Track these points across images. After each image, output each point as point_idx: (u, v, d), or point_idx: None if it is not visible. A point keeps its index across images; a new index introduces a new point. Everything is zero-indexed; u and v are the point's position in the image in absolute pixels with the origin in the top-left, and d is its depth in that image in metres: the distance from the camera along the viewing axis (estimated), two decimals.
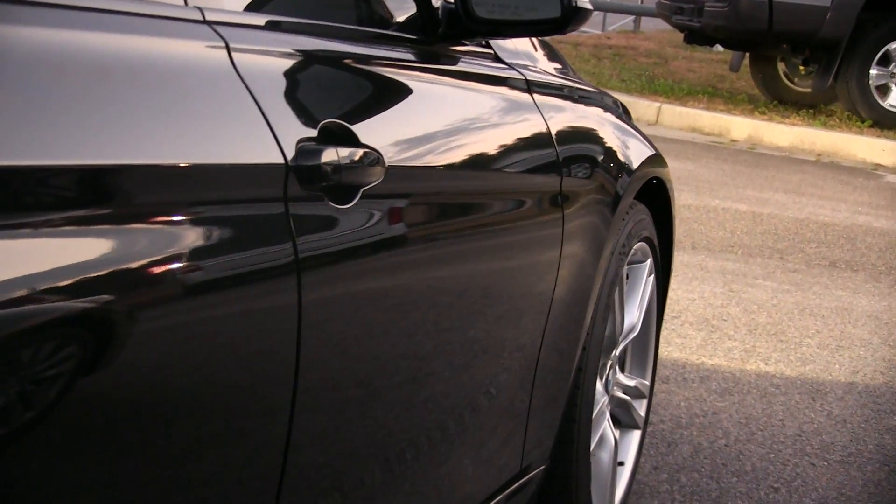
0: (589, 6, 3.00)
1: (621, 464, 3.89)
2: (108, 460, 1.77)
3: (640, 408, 4.04)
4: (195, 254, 1.88)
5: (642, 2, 19.93)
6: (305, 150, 2.13)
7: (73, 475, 1.67)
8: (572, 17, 2.88)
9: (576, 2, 2.87)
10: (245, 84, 2.09)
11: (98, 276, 1.69)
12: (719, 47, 14.04)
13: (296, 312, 2.07)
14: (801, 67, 13.14)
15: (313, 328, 2.12)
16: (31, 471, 1.60)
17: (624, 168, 3.65)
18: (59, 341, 1.65)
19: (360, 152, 2.26)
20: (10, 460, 1.56)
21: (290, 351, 2.08)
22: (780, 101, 13.39)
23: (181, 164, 1.90)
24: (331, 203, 2.16)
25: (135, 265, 1.75)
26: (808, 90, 13.35)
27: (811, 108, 13.19)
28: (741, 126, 12.34)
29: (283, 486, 2.16)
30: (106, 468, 1.75)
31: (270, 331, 2.07)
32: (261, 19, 2.38)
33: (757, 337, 6.15)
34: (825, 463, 4.64)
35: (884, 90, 12.15)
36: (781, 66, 13.50)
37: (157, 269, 1.80)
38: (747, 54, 13.97)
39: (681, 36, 14.69)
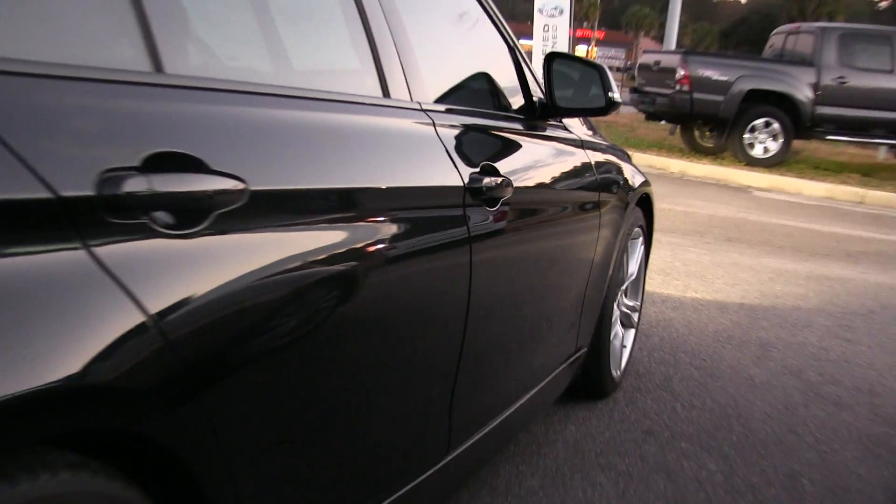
0: (620, 101, 3.19)
1: (625, 347, 4.25)
2: (357, 368, 1.91)
3: (634, 317, 4.34)
4: (417, 233, 2.08)
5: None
6: (473, 177, 2.30)
7: (332, 375, 1.79)
8: (611, 107, 3.10)
9: (613, 98, 3.09)
10: (442, 142, 2.26)
11: (365, 244, 1.87)
12: (664, 122, 14.89)
13: (468, 268, 2.27)
14: (707, 133, 14.04)
15: (477, 277, 2.31)
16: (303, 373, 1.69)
17: (630, 188, 3.86)
18: (338, 290, 1.80)
19: (500, 179, 2.43)
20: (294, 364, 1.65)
21: (464, 292, 2.28)
22: (696, 151, 14.13)
23: (412, 186, 2.12)
24: (486, 207, 2.35)
25: (379, 243, 1.92)
26: (711, 145, 14.28)
27: (713, 155, 13.79)
28: (675, 164, 13.05)
29: (459, 371, 2.35)
30: (351, 375, 1.88)
31: (453, 280, 2.25)
32: (449, 106, 2.48)
33: (690, 278, 6.64)
34: (729, 343, 5.00)
35: (751, 146, 13.39)
36: (696, 132, 14.21)
37: (395, 243, 1.98)
38: (679, 126, 15.22)
39: (643, 115, 15.96)
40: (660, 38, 77.71)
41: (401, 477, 2.19)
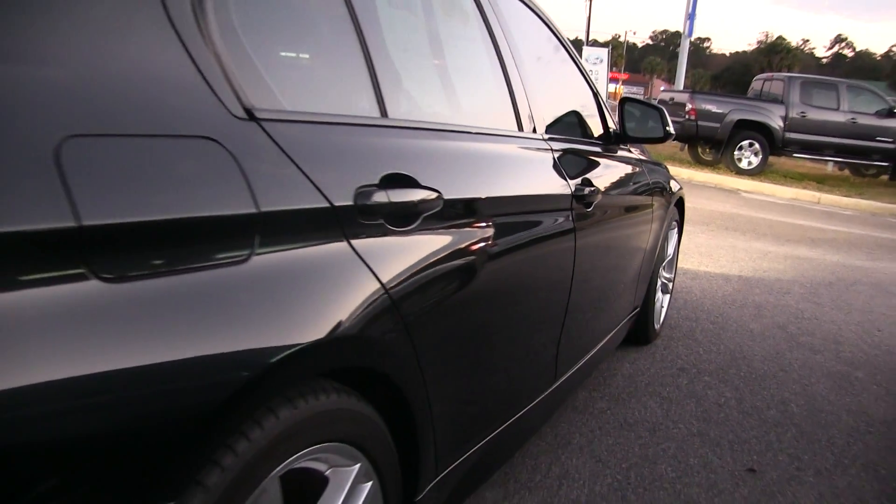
0: (673, 132, 3.10)
1: (662, 307, 4.13)
2: (507, 317, 1.91)
3: (670, 285, 4.22)
4: (544, 225, 2.06)
5: None
6: (577, 187, 2.27)
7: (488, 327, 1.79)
8: (668, 137, 3.01)
9: (669, 130, 3.01)
10: (556, 162, 2.23)
11: (513, 232, 1.85)
12: (676, 142, 14.45)
13: (573, 248, 2.26)
14: (707, 150, 13.70)
15: (579, 255, 2.30)
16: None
17: (671, 192, 3.78)
18: (498, 263, 1.77)
19: (593, 188, 2.40)
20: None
21: (571, 264, 2.27)
22: (699, 163, 13.80)
23: (541, 194, 2.10)
24: (584, 208, 2.31)
25: (521, 231, 1.90)
26: (710, 159, 13.87)
27: (711, 166, 13.51)
28: (684, 172, 12.46)
29: (565, 320, 2.34)
30: (504, 326, 1.89)
31: (564, 256, 2.22)
32: (557, 135, 2.37)
33: (701, 257, 6.39)
34: (734, 305, 4.86)
35: (739, 160, 13.16)
36: (699, 149, 13.95)
37: (531, 231, 1.97)
38: (687, 144, 14.58)
39: None
40: (668, 79, 76.25)
41: (531, 395, 2.20)
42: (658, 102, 16.25)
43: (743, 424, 3.17)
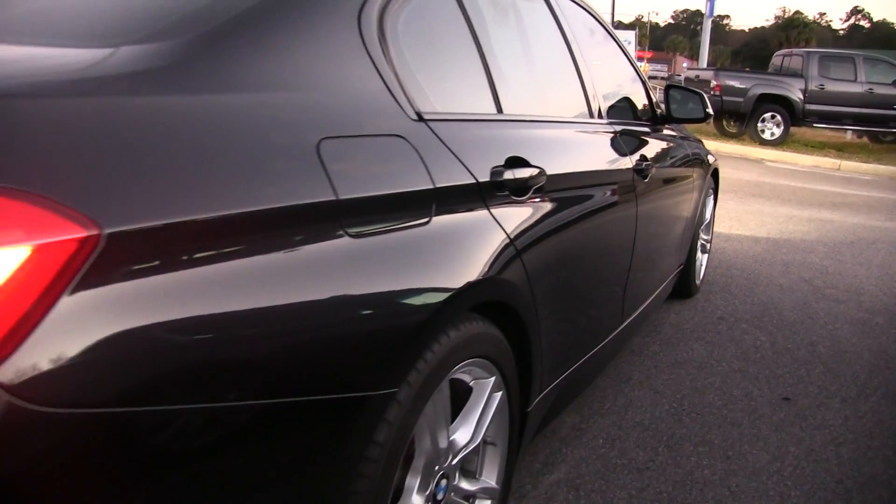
0: (712, 113, 3.26)
1: (702, 265, 4.29)
2: (593, 265, 2.19)
3: (708, 246, 4.42)
4: (615, 193, 2.29)
5: None
6: (636, 162, 2.49)
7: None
8: (707, 117, 3.13)
9: (709, 112, 3.13)
10: (620, 142, 2.46)
11: (594, 197, 2.10)
12: None
13: (635, 212, 2.48)
14: (732, 122, 13.61)
15: (639, 217, 2.51)
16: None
17: (708, 164, 3.92)
18: (585, 220, 2.02)
19: (646, 163, 2.59)
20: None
21: (633, 224, 2.47)
22: (724, 135, 13.70)
23: (612, 168, 2.33)
24: (641, 179, 2.51)
25: (598, 196, 2.15)
26: (734, 131, 13.73)
27: (736, 137, 13.47)
28: (711, 144, 11.93)
29: (629, 271, 2.55)
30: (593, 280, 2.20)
31: (629, 217, 2.41)
32: (617, 119, 2.58)
33: (732, 221, 6.48)
34: (763, 263, 5.02)
35: (762, 131, 13.05)
36: (724, 122, 13.88)
37: (606, 197, 2.20)
38: (712, 118, 14.40)
39: None
40: (690, 56, 74.84)
41: (606, 332, 2.48)
42: (684, 80, 16.39)
43: (777, 362, 3.42)
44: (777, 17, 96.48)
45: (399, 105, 1.36)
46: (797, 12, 79.80)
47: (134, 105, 0.97)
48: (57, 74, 0.97)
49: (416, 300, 1.29)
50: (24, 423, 0.79)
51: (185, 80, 1.04)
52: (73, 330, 0.82)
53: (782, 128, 13.52)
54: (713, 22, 17.38)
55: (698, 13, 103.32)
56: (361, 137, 1.24)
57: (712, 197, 4.38)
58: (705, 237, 4.39)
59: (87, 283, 0.82)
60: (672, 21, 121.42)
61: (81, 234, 0.82)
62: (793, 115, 13.51)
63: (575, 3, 2.66)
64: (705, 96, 3.24)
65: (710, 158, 4.08)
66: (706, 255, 4.48)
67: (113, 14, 1.30)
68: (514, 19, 2.10)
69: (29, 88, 0.91)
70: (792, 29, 69.02)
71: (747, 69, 20.00)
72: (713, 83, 13.43)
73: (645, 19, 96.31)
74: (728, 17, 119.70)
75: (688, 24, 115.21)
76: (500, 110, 1.78)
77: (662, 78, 36.52)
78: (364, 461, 1.20)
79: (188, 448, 0.94)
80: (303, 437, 1.10)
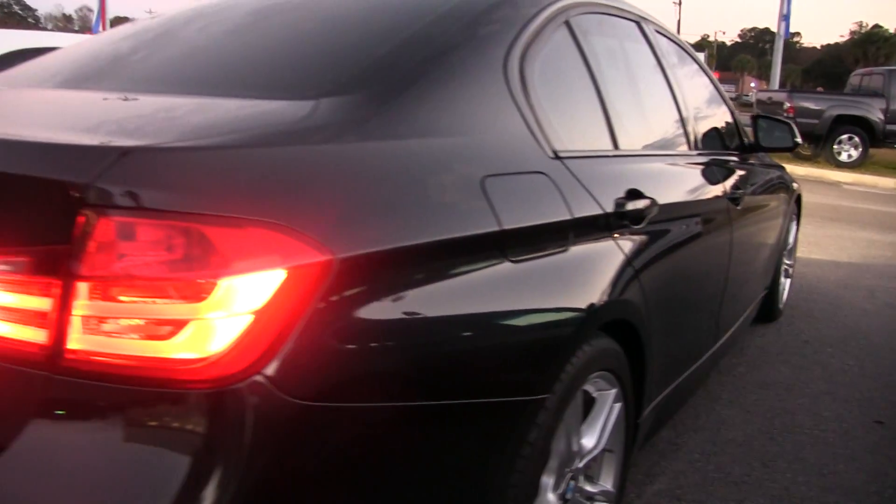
0: (801, 141, 3.33)
1: (784, 289, 4.39)
2: (697, 284, 2.34)
3: (791, 270, 4.51)
4: (714, 219, 2.43)
5: None
6: (729, 190, 2.62)
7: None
8: (796, 146, 3.23)
9: (797, 140, 3.22)
10: (714, 172, 2.58)
11: (699, 223, 2.29)
12: None
13: (730, 235, 2.60)
14: (806, 145, 13.37)
15: (734, 240, 2.64)
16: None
17: (793, 190, 4.05)
18: (692, 243, 2.18)
19: (738, 191, 2.72)
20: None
21: (728, 246, 2.59)
22: (798, 157, 13.42)
23: (710, 197, 2.45)
24: (734, 205, 2.64)
25: (702, 222, 2.30)
26: (809, 153, 13.53)
27: (810, 160, 13.31)
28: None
29: (724, 291, 2.68)
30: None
31: (724, 240, 2.55)
32: (709, 150, 2.71)
33: (810, 246, 6.48)
34: (846, 288, 5.04)
35: (839, 154, 12.87)
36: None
37: (708, 224, 2.36)
38: None
39: None
40: (757, 77, 73.64)
41: (701, 352, 2.63)
42: (755, 102, 16.29)
43: (867, 386, 3.47)
44: (853, 33, 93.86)
45: (539, 145, 1.55)
46: (876, 26, 77.46)
47: (348, 150, 1.17)
48: (282, 125, 1.17)
49: (562, 318, 1.49)
50: (283, 412, 0.99)
51: (380, 127, 1.25)
52: (316, 335, 1.01)
53: (860, 149, 13.31)
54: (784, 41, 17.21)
55: (767, 31, 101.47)
56: (513, 175, 1.44)
57: (795, 222, 4.47)
58: (788, 262, 4.47)
59: (325, 298, 1.02)
60: (739, 40, 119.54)
61: (320, 258, 1.01)
62: (872, 136, 13.27)
63: (668, 37, 2.82)
64: (793, 125, 3.35)
65: (794, 184, 4.19)
66: (789, 280, 4.59)
67: (285, 67, 1.52)
68: (623, 60, 2.28)
69: (268, 139, 1.11)
70: (870, 45, 66.97)
71: (820, 88, 19.72)
72: (786, 105, 13.34)
73: (711, 38, 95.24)
74: (799, 34, 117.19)
75: (756, 42, 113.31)
76: (616, 146, 1.95)
77: (732, 98, 36.04)
78: (519, 458, 1.39)
79: (398, 437, 1.16)
80: (477, 433, 1.31)
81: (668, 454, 2.65)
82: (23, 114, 1.39)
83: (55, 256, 0.98)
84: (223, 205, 0.98)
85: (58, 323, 0.99)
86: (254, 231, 0.98)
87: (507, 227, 1.34)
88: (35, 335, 1.00)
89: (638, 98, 2.31)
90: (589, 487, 1.81)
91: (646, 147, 2.22)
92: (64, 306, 0.98)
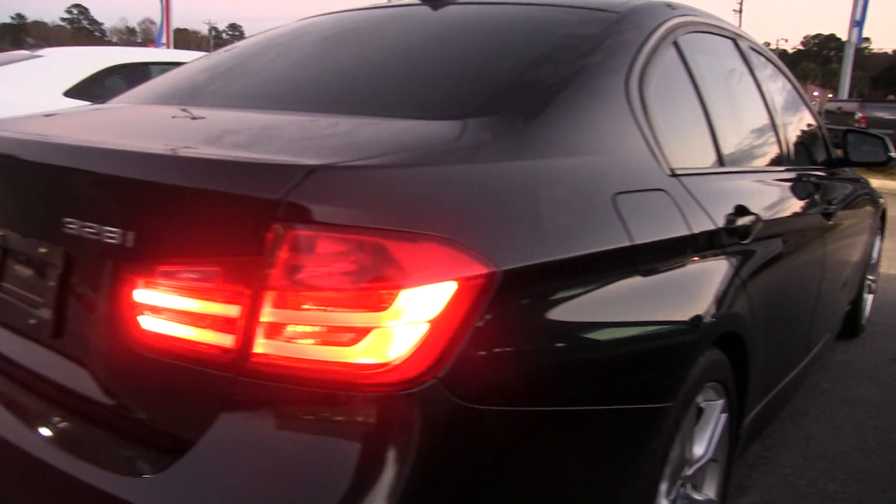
0: (895, 155, 3.25)
1: (867, 304, 4.33)
2: (797, 293, 2.41)
3: (873, 286, 4.46)
4: (811, 232, 2.49)
5: None
6: (823, 205, 2.64)
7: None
8: (890, 160, 3.18)
9: (891, 155, 3.19)
10: (807, 185, 2.63)
11: (791, 234, 2.28)
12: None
13: (823, 248, 2.65)
14: None
15: (826, 253, 2.67)
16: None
17: (878, 204, 4.04)
18: (791, 255, 2.22)
19: (830, 205, 2.75)
20: None
21: (821, 259, 2.64)
22: (870, 169, 13.01)
23: (807, 213, 2.51)
24: (826, 220, 2.66)
25: (793, 235, 2.30)
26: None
27: (883, 172, 12.91)
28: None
29: (817, 304, 2.71)
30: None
31: (817, 252, 2.58)
32: (800, 165, 2.70)
33: (891, 261, 6.44)
34: None
35: None
36: None
37: (800, 236, 2.38)
38: None
39: None
40: (821, 85, 71.86)
41: (795, 365, 2.66)
42: (823, 113, 15.92)
43: None
44: None
45: (658, 163, 1.61)
46: None
47: (502, 169, 1.25)
48: (443, 145, 1.25)
49: (685, 329, 1.56)
50: (455, 414, 1.07)
51: (525, 146, 1.32)
52: (481, 343, 1.09)
53: None
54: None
55: (832, 38, 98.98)
56: (639, 192, 1.51)
57: (879, 237, 4.43)
58: (871, 277, 4.43)
59: (490, 308, 1.09)
60: (802, 48, 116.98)
61: (486, 270, 1.09)
62: None
63: (761, 53, 2.85)
64: (887, 140, 3.32)
65: (881, 200, 4.20)
66: (871, 296, 4.53)
67: (418, 87, 1.62)
68: (723, 77, 2.33)
69: (434, 158, 1.20)
70: None
71: (891, 97, 19.17)
72: (858, 115, 13.08)
73: (773, 46, 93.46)
74: (868, 39, 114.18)
75: (820, 49, 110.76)
76: (721, 163, 2.01)
77: None
78: (645, 464, 1.47)
79: (550, 440, 1.24)
80: (614, 437, 1.39)
81: (758, 467, 2.67)
82: (187, 132, 1.49)
83: (244, 267, 1.07)
84: (400, 220, 1.06)
85: (245, 329, 1.07)
86: (428, 245, 1.06)
87: (637, 241, 1.41)
88: (223, 340, 1.10)
89: (738, 115, 2.35)
90: (696, 496, 1.86)
91: (746, 163, 2.26)
92: (252, 313, 1.07)
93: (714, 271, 1.72)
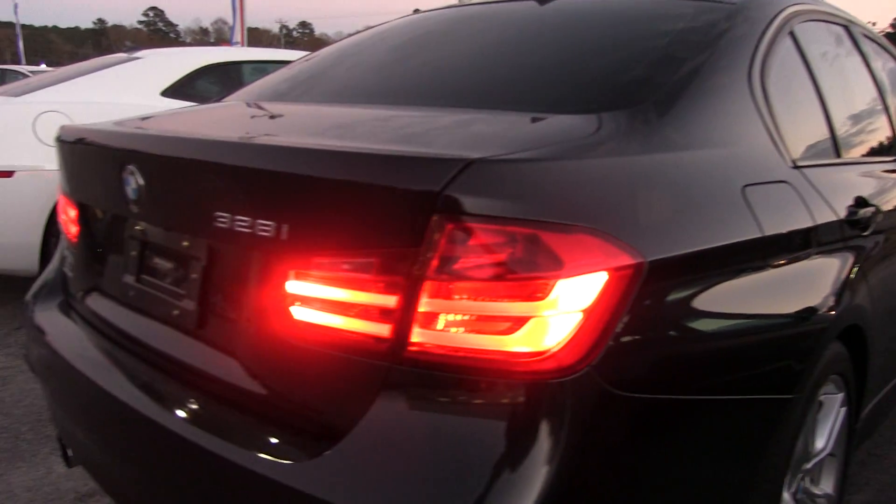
0: None
1: None
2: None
3: None
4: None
5: None
6: None
7: None
8: None
9: None
10: None
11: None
12: None
13: None
14: None
15: None
16: None
17: None
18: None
19: None
20: None
21: None
22: None
23: None
24: None
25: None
26: None
27: None
28: None
29: None
30: None
31: None
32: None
33: None
34: None
35: None
36: None
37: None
38: None
39: None
40: None
41: None
42: None
43: None
44: None
45: (781, 155, 1.61)
46: None
47: (642, 162, 1.27)
48: (586, 138, 1.27)
49: (810, 321, 1.55)
50: (607, 401, 1.10)
51: (660, 140, 1.33)
52: (631, 332, 1.11)
53: None
54: None
55: None
56: (765, 185, 1.50)
57: None
58: None
59: (638, 298, 1.11)
60: (892, 30, 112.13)
61: (634, 261, 1.11)
62: None
63: (873, 39, 2.75)
64: None
65: None
66: None
67: (540, 82, 1.64)
68: (838, 67, 2.26)
69: (580, 151, 1.21)
70: None
71: None
72: None
73: None
74: None
75: None
76: (838, 154, 1.99)
77: None
78: (772, 454, 1.47)
79: (692, 427, 1.27)
80: (750, 426, 1.40)
81: (869, 464, 2.62)
82: (332, 127, 1.53)
83: (401, 258, 1.10)
84: (554, 212, 1.08)
85: (402, 318, 1.11)
86: (581, 237, 1.08)
87: (766, 233, 1.41)
88: (378, 329, 1.13)
89: (854, 104, 2.30)
90: (814, 490, 1.85)
91: (863, 154, 2.22)
92: (409, 303, 1.10)
93: (838, 263, 1.69)
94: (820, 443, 1.78)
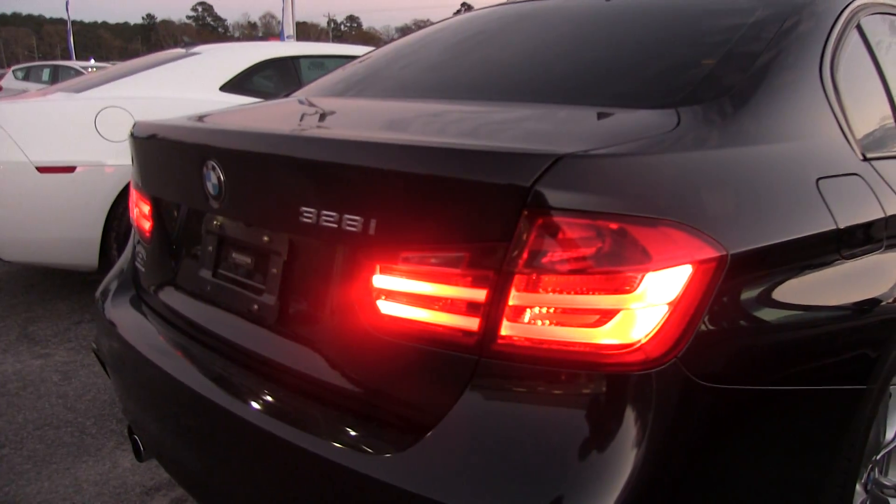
0: None
1: None
2: None
3: None
4: None
5: None
6: None
7: None
8: None
9: None
10: None
11: None
12: None
13: None
14: None
15: None
16: None
17: None
18: None
19: None
20: None
21: None
22: None
23: None
24: None
25: None
26: None
27: None
28: None
29: None
30: None
31: None
32: None
33: None
34: None
35: None
36: None
37: None
38: None
39: None
40: None
41: None
42: None
43: None
44: None
45: (851, 148, 1.59)
46: None
47: (722, 155, 1.27)
48: (667, 133, 1.26)
49: (883, 313, 1.52)
50: (694, 393, 1.10)
51: (737, 133, 1.33)
52: (715, 324, 1.12)
53: None
54: None
55: None
56: (838, 177, 1.49)
57: None
58: None
59: (722, 290, 1.12)
60: None
61: (718, 254, 1.12)
62: None
63: None
64: None
65: None
66: None
67: (611, 77, 1.64)
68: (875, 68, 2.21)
69: (662, 146, 1.21)
70: None
71: None
72: None
73: None
74: None
75: None
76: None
77: None
78: (848, 445, 1.46)
79: (773, 417, 1.26)
80: (828, 416, 1.40)
81: None
82: (416, 122, 1.54)
83: (490, 252, 1.11)
84: (641, 206, 1.09)
85: (491, 312, 1.12)
86: (666, 230, 1.09)
87: (841, 225, 1.40)
88: (467, 323, 1.15)
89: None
90: (884, 480, 1.82)
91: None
92: (499, 297, 1.11)
93: None
94: (890, 433, 1.76)
